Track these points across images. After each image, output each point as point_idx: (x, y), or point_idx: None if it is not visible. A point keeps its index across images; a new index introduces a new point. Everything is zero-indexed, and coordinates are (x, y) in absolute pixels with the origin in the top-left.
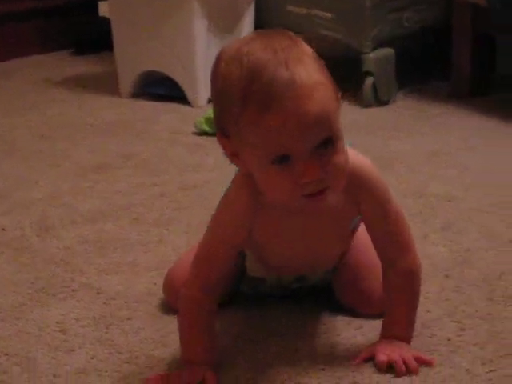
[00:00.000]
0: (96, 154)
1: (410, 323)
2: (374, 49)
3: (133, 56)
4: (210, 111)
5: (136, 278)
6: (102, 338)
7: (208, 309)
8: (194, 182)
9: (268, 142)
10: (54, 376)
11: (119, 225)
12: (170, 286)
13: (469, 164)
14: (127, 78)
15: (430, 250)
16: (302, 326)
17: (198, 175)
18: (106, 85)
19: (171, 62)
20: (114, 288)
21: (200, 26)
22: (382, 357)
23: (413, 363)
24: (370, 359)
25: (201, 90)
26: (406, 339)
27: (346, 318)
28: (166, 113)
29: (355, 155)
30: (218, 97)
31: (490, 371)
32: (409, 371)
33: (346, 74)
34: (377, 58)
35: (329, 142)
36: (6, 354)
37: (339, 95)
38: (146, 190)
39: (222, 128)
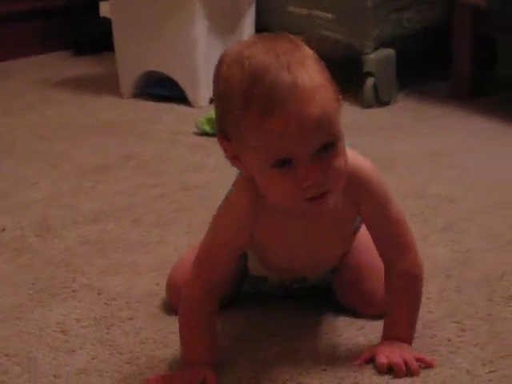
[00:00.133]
0: (97, 155)
1: (412, 324)
2: (375, 49)
3: (134, 56)
4: (211, 111)
5: (137, 278)
6: (102, 338)
7: (209, 309)
8: (195, 182)
9: (270, 146)
10: (55, 376)
11: (120, 225)
12: (172, 286)
13: (469, 164)
14: (128, 79)
15: (430, 250)
16: (304, 326)
17: (199, 176)
18: (107, 85)
19: (172, 63)
20: (115, 288)
21: (201, 27)
22: (382, 359)
23: (414, 364)
24: (371, 360)
25: (202, 90)
26: (408, 340)
27: (348, 319)
28: (167, 113)
29: (355, 156)
30: (220, 99)
31: (491, 372)
32: (409, 372)
33: (347, 74)
34: (378, 58)
35: (330, 145)
36: (7, 355)
37: (340, 96)
38: (147, 190)
39: (223, 130)
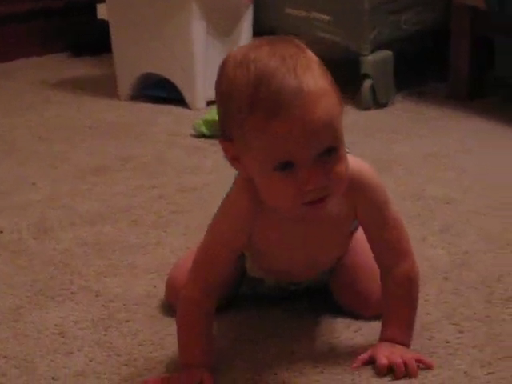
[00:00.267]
0: (94, 157)
1: (409, 328)
2: (373, 51)
3: (131, 58)
4: (208, 113)
5: (135, 280)
6: (100, 340)
7: (207, 311)
8: (193, 184)
9: (273, 149)
10: (53, 379)
11: (118, 227)
12: (171, 287)
13: (467, 166)
14: (126, 81)
15: (428, 252)
16: (301, 327)
17: (197, 178)
18: (105, 87)
19: (170, 65)
20: (113, 290)
21: (199, 29)
22: (383, 360)
23: (413, 365)
24: (370, 362)
25: (199, 92)
26: (405, 343)
27: (345, 320)
28: (165, 115)
29: (353, 159)
30: (223, 101)
31: (489, 373)
32: (408, 373)
33: (345, 76)
34: (375, 60)
35: (333, 150)
36: (5, 357)
37: (342, 100)
38: (145, 192)
39: (225, 131)
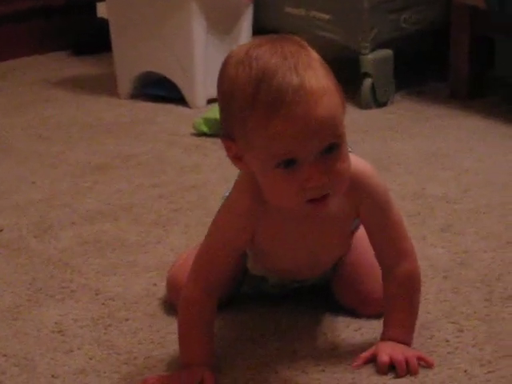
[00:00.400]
0: (95, 155)
1: (411, 327)
2: (373, 50)
3: (131, 57)
4: (208, 112)
5: (135, 278)
6: (100, 338)
7: (208, 310)
8: (193, 182)
9: (275, 146)
10: (53, 377)
11: (118, 225)
12: (172, 286)
13: (467, 165)
14: (125, 79)
15: (428, 251)
16: (302, 326)
17: (197, 176)
18: (105, 86)
19: (170, 64)
20: (113, 289)
21: (198, 27)
22: (385, 357)
23: (414, 362)
24: (372, 360)
25: (199, 91)
26: (407, 342)
27: (346, 319)
28: (165, 114)
29: (355, 159)
30: (225, 100)
31: (489, 372)
32: (409, 371)
33: (344, 75)
34: (375, 59)
35: (334, 147)
36: (5, 355)
37: (344, 100)
38: (145, 190)
39: (227, 130)
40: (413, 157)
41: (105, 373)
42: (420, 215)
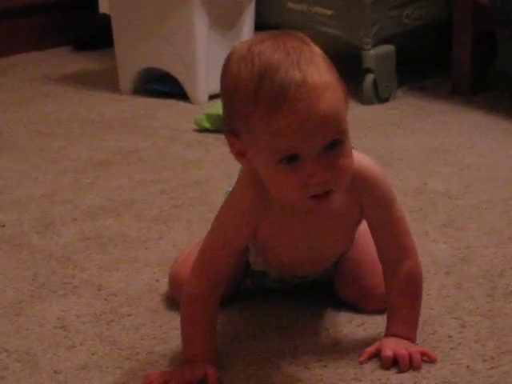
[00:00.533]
0: (96, 151)
1: (414, 323)
2: (375, 46)
3: (133, 53)
4: (210, 108)
5: (137, 274)
6: (102, 334)
7: (210, 307)
8: (195, 178)
9: (278, 142)
10: (55, 372)
11: (120, 221)
12: (174, 282)
13: (469, 161)
14: (127, 75)
15: (430, 246)
16: (304, 322)
17: (199, 172)
18: (106, 81)
19: (172, 59)
20: (115, 284)
21: (200, 23)
22: (388, 352)
23: (417, 357)
24: (377, 355)
25: (201, 86)
26: (411, 338)
27: (348, 315)
28: (167, 110)
29: (361, 156)
30: (228, 96)
31: (491, 368)
32: (412, 365)
33: (346, 71)
34: (377, 54)
35: (337, 143)
36: (7, 351)
37: (347, 95)
38: (147, 186)
39: (230, 126)
40: (415, 152)
41: (107, 368)
42: (422, 211)
